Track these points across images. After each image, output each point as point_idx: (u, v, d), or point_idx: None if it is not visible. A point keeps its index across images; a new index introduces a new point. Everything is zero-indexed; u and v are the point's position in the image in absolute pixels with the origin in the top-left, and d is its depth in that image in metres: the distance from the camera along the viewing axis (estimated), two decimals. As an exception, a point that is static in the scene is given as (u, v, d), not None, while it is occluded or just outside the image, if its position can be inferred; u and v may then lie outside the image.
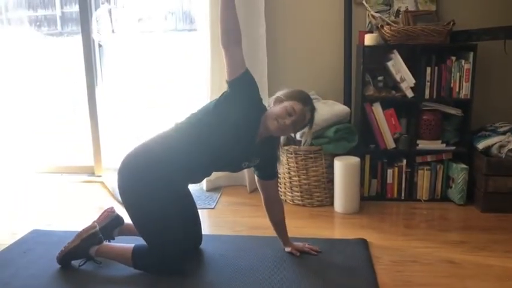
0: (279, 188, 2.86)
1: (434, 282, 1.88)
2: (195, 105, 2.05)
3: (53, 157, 4.45)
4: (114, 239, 2.14)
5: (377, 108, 2.76)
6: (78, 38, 3.27)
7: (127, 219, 2.15)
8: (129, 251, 1.94)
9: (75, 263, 2.02)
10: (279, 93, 1.94)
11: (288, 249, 2.12)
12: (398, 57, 2.69)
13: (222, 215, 2.69)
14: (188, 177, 2.04)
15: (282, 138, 2.23)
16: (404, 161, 2.81)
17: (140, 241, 1.99)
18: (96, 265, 1.99)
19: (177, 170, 1.91)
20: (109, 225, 2.12)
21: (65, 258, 2.00)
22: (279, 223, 2.14)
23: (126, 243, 2.02)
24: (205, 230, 2.26)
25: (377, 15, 2.79)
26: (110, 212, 2.16)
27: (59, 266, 2.01)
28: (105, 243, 2.03)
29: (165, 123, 2.04)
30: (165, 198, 1.89)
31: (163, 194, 1.88)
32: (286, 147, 2.74)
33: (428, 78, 2.68)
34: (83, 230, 2.02)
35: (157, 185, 1.88)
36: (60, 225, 2.54)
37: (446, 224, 2.53)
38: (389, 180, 2.84)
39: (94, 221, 2.08)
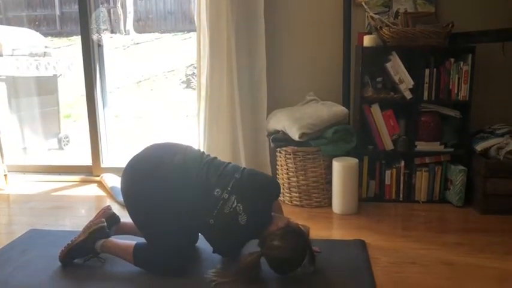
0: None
1: (433, 284, 1.87)
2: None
3: (50, 156, 4.45)
4: (110, 236, 2.14)
5: (375, 110, 2.77)
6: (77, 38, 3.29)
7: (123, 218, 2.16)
8: (131, 248, 1.96)
9: (77, 261, 2.02)
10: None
11: None
12: (397, 58, 2.70)
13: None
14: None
15: None
16: (403, 163, 2.81)
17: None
18: (94, 263, 2.00)
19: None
20: (107, 222, 2.12)
21: (70, 253, 2.00)
22: None
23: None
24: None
25: (376, 16, 2.79)
26: (107, 209, 2.16)
27: (56, 265, 2.00)
28: (109, 238, 2.04)
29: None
30: (168, 203, 1.89)
31: (167, 199, 1.89)
32: (284, 148, 2.74)
33: (426, 79, 2.69)
34: (90, 224, 2.04)
35: (161, 190, 1.89)
36: (58, 225, 2.54)
37: (445, 225, 2.53)
38: (387, 181, 2.84)
39: (92, 220, 2.07)
